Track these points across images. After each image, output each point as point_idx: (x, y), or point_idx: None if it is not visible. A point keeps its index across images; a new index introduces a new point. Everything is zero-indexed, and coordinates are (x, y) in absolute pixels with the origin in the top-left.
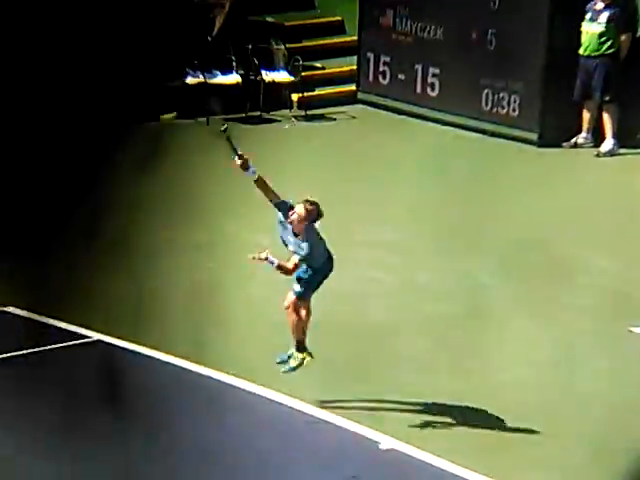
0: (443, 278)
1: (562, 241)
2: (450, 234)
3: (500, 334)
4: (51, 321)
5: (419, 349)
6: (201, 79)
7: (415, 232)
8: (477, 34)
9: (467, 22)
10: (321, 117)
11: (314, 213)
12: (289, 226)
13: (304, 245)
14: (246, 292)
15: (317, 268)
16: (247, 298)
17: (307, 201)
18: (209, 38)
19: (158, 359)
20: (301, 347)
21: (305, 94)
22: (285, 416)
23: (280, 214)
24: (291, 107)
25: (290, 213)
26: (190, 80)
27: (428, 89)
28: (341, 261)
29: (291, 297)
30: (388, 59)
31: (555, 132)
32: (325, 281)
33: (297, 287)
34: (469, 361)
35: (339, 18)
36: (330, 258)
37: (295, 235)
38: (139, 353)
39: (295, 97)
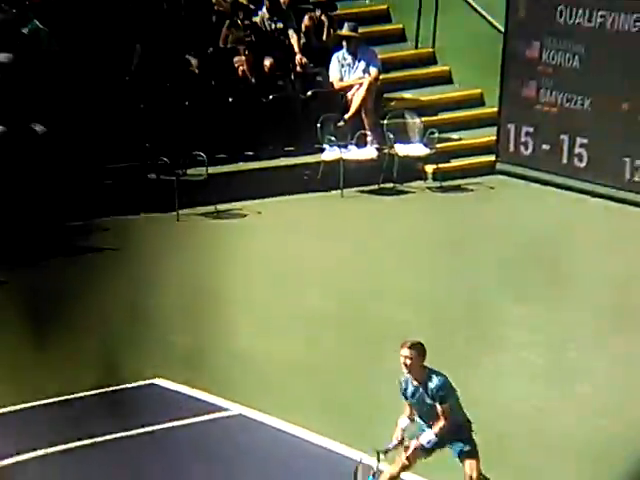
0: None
1: None
2: (604, 312)
3: None
4: (196, 393)
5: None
6: (337, 154)
7: (563, 309)
8: (629, 104)
9: (618, 92)
10: (457, 188)
11: (418, 348)
12: (409, 383)
13: (433, 380)
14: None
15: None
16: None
17: (404, 343)
18: (345, 117)
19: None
20: None
21: (440, 165)
22: None
23: (403, 389)
24: (425, 178)
25: (403, 364)
26: (327, 155)
27: (575, 160)
28: (489, 340)
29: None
30: (531, 129)
31: None
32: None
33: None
34: None
35: (479, 91)
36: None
37: (418, 385)
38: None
39: (430, 169)
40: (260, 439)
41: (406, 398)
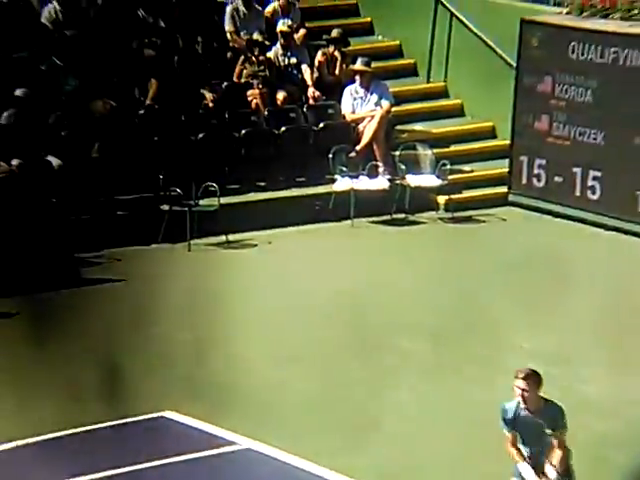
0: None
1: None
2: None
3: None
4: (204, 426)
5: None
6: (349, 184)
7: (577, 342)
8: None
9: (630, 126)
10: (469, 219)
11: (534, 378)
12: (519, 410)
13: (555, 409)
14: None
15: None
16: None
17: (518, 372)
18: (357, 148)
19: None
20: None
21: (452, 196)
22: None
23: (508, 418)
24: (437, 209)
25: (520, 396)
26: (338, 185)
27: (588, 192)
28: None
29: None
30: (543, 162)
31: None
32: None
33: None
34: None
35: (490, 124)
36: None
37: (532, 415)
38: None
39: (442, 200)
40: (268, 473)
41: (507, 424)
